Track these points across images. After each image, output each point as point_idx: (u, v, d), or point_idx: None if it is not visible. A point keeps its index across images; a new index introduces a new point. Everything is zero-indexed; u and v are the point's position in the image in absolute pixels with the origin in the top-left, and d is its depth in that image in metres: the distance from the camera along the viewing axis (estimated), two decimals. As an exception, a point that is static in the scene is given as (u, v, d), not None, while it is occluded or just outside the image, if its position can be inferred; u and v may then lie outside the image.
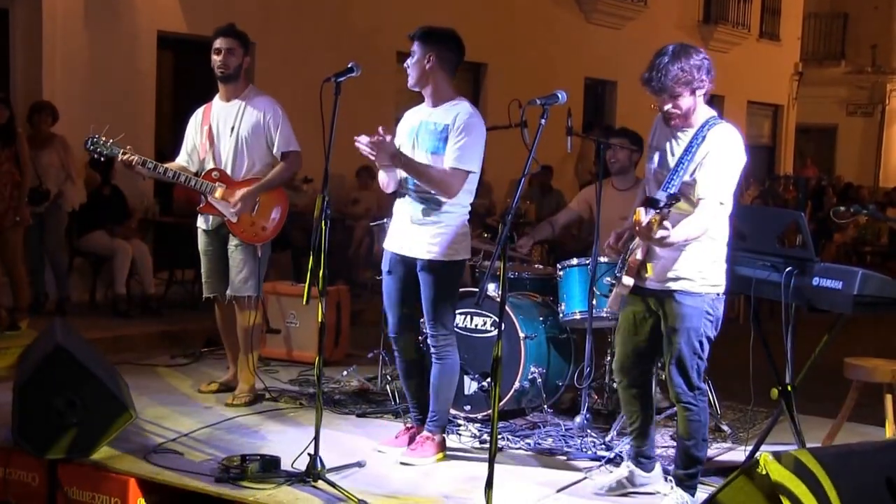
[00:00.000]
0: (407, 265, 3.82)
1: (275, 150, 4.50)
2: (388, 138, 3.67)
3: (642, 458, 3.57)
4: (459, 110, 3.76)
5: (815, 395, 4.31)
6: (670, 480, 3.52)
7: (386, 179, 3.85)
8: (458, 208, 3.78)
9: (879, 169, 19.97)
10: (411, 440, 3.92)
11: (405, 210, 3.81)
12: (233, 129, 4.48)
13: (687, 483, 3.40)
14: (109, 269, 6.97)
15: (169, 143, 8.04)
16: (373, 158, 3.67)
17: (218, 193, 4.46)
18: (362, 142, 3.60)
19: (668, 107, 3.21)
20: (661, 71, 3.15)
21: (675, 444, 3.62)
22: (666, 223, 3.02)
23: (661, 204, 3.00)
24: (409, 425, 4.01)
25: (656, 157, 3.35)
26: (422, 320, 3.89)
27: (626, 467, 3.59)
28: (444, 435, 3.96)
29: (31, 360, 3.86)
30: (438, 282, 3.76)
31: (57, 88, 7.31)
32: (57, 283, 6.80)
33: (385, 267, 3.91)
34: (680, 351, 3.27)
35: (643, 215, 3.03)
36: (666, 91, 3.17)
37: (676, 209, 3.16)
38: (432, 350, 3.84)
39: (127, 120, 6.68)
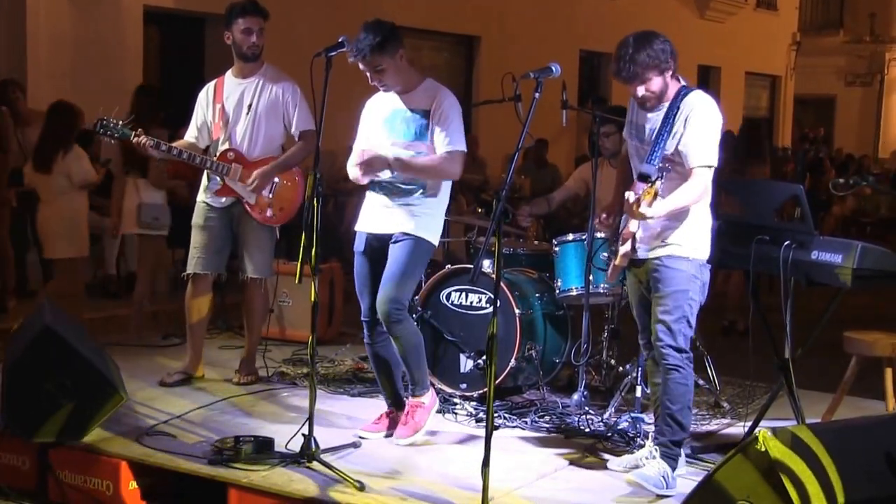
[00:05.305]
0: (381, 244, 3.75)
1: (293, 130, 4.44)
2: (371, 154, 3.62)
3: None
4: (436, 92, 3.72)
5: (814, 370, 4.28)
6: (645, 460, 3.47)
7: (359, 174, 3.70)
8: (438, 193, 3.74)
9: (878, 139, 19.90)
10: (392, 423, 3.87)
11: (383, 192, 3.73)
12: (250, 106, 4.40)
13: (670, 453, 3.37)
14: (98, 249, 6.90)
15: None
16: (365, 173, 3.61)
17: (235, 175, 4.38)
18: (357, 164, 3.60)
19: (641, 93, 3.30)
20: (629, 60, 3.24)
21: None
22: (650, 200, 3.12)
23: (654, 177, 3.14)
24: (387, 410, 3.93)
25: (636, 133, 3.42)
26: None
27: (649, 446, 3.54)
28: (430, 391, 3.88)
29: (20, 343, 3.81)
30: (408, 255, 3.68)
31: (42, 65, 7.21)
32: (43, 265, 6.73)
33: (358, 248, 3.81)
34: (669, 314, 3.31)
35: (631, 196, 3.15)
36: (637, 78, 3.26)
37: (667, 178, 3.26)
38: (387, 329, 3.70)
39: (113, 96, 6.57)
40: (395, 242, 3.71)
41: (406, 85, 3.72)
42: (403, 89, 3.73)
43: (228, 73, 4.50)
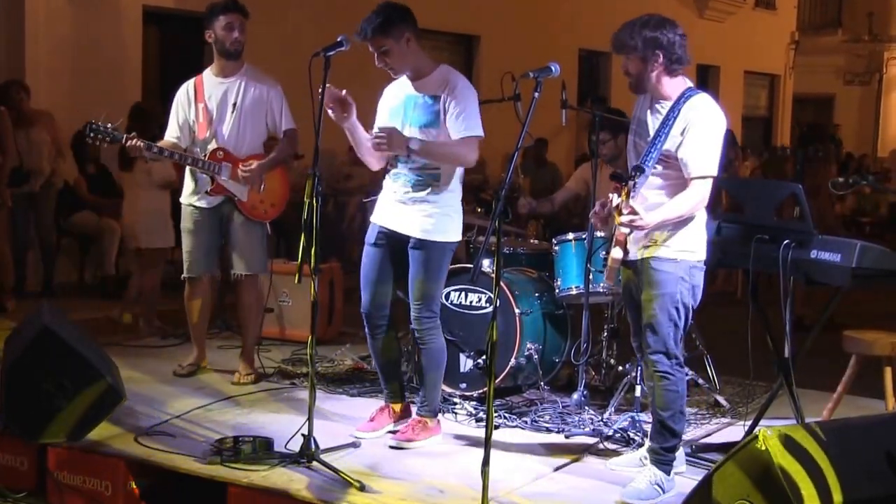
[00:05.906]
0: (396, 241, 3.73)
1: (280, 128, 4.49)
2: (390, 128, 3.56)
3: None
4: (449, 78, 3.67)
5: (814, 369, 4.27)
6: (644, 459, 3.45)
7: (369, 157, 3.72)
8: (452, 186, 3.70)
9: (877, 138, 19.90)
10: (398, 418, 3.88)
11: (399, 186, 3.70)
12: (234, 105, 4.44)
13: (662, 459, 3.33)
14: (98, 250, 6.90)
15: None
16: (385, 151, 3.57)
17: (226, 174, 4.41)
18: (373, 139, 3.55)
19: (622, 67, 3.31)
20: (619, 31, 3.26)
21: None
22: (634, 205, 3.11)
23: (625, 177, 3.13)
24: (382, 405, 3.96)
25: (637, 128, 3.39)
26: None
27: (647, 447, 3.52)
28: (438, 419, 3.89)
29: (18, 343, 3.80)
30: (429, 262, 3.67)
31: (41, 65, 7.20)
32: (45, 264, 6.74)
33: (370, 239, 3.78)
34: (656, 318, 3.24)
35: (615, 199, 3.13)
36: (619, 50, 3.28)
37: (656, 179, 3.24)
38: (416, 335, 3.76)
39: (113, 96, 6.60)
40: (413, 248, 3.69)
41: (417, 70, 3.67)
42: (415, 75, 3.68)
43: (207, 73, 4.53)
